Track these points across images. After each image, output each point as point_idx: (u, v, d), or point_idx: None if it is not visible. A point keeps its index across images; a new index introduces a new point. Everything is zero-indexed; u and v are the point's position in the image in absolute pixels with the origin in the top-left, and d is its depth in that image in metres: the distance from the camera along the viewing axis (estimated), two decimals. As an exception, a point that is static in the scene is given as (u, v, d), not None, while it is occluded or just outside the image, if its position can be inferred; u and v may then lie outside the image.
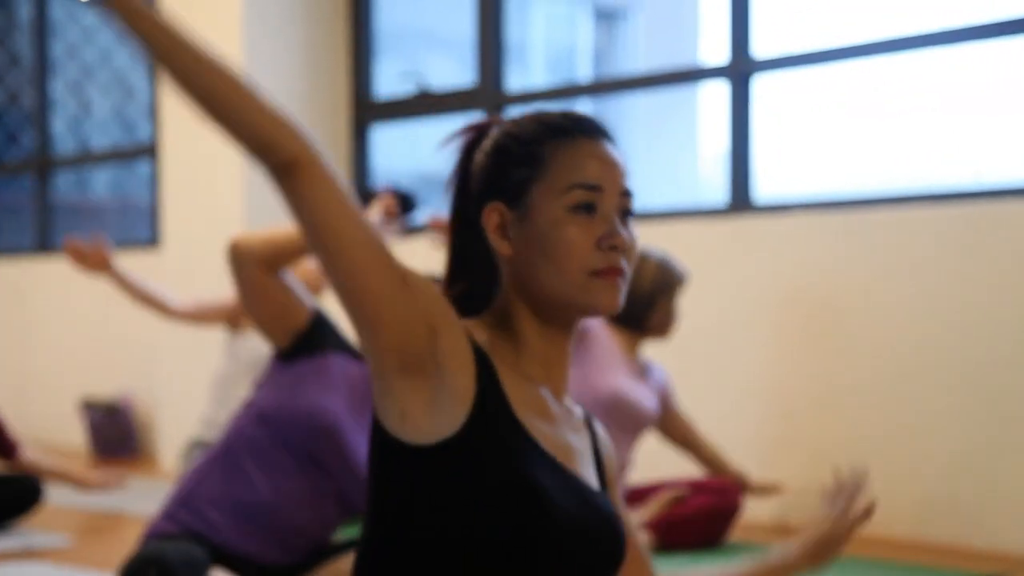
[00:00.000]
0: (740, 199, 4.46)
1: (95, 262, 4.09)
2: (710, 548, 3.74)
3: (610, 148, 1.50)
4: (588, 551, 1.43)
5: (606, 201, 1.47)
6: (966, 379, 3.87)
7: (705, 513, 3.73)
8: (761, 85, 4.48)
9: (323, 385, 2.74)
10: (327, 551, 2.74)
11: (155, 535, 2.66)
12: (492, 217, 1.49)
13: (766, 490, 3.92)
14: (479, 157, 1.54)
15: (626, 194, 1.49)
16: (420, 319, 1.36)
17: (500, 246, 1.49)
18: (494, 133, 1.54)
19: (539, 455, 1.41)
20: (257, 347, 4.35)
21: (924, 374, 3.95)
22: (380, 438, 1.40)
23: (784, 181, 4.83)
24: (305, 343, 2.74)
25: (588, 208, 1.46)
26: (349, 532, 3.13)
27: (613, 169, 1.49)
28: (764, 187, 4.51)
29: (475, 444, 1.37)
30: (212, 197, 5.67)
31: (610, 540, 1.47)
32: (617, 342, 3.64)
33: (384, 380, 1.37)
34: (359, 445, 2.74)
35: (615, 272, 1.45)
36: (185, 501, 2.68)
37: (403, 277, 1.36)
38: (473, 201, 1.53)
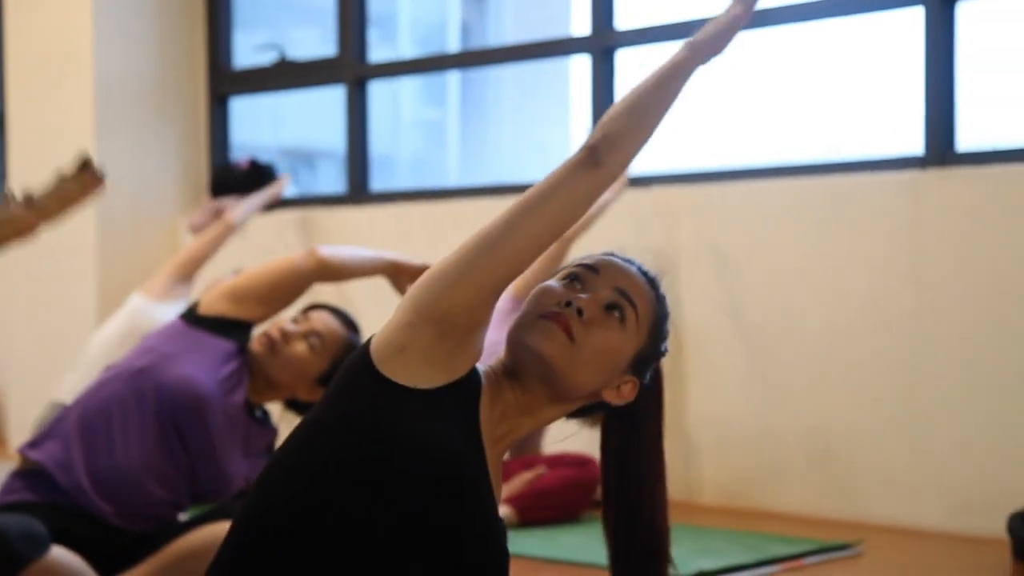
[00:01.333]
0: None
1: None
2: (571, 522, 3.75)
3: (628, 265, 1.66)
4: (478, 546, 1.54)
5: (598, 283, 1.61)
6: (821, 348, 3.93)
7: (565, 486, 3.73)
8: (624, 59, 4.49)
9: (209, 366, 2.73)
10: (174, 528, 2.69)
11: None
12: None
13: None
14: None
15: (623, 293, 1.61)
16: (485, 314, 1.55)
17: None
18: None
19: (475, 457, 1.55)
20: (161, 321, 4.14)
21: (780, 345, 4.00)
22: (362, 367, 1.52)
23: (649, 154, 4.84)
24: (234, 327, 2.79)
25: (572, 278, 1.62)
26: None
27: (617, 268, 1.64)
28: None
29: (432, 404, 1.51)
30: (61, 170, 5.48)
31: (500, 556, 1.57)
32: None
33: (414, 325, 1.51)
34: (223, 439, 2.73)
35: (559, 319, 1.57)
36: (39, 463, 2.65)
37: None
38: None
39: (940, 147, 3.80)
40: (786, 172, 4.10)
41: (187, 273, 4.21)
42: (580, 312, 1.58)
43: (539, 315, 1.58)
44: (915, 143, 3.87)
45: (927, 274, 3.75)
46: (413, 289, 1.55)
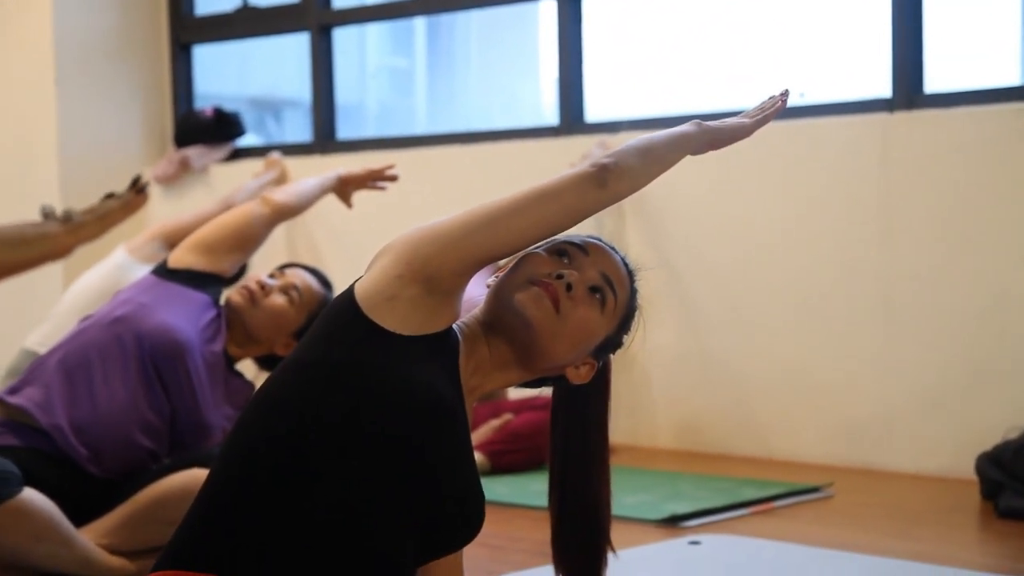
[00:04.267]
0: (570, 119, 4.44)
1: None
2: (541, 468, 3.76)
3: (613, 253, 1.72)
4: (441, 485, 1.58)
5: (586, 264, 1.66)
6: (790, 290, 3.94)
7: (533, 430, 3.74)
8: (591, 4, 4.45)
9: (188, 315, 2.77)
10: (146, 476, 2.68)
11: None
12: None
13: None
14: None
15: (607, 280, 1.67)
16: (466, 282, 1.61)
17: None
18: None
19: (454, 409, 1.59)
20: (131, 280, 4.09)
21: (748, 288, 4.01)
22: (348, 312, 1.57)
23: (616, 102, 4.81)
24: (206, 280, 2.84)
25: (561, 253, 1.67)
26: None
27: (605, 254, 1.70)
28: (595, 108, 4.49)
29: (417, 349, 1.56)
30: (22, 121, 5.41)
31: (472, 507, 1.63)
32: None
33: (403, 278, 1.56)
34: (203, 387, 2.76)
35: (549, 288, 1.62)
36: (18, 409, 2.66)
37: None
38: None
39: (908, 89, 3.79)
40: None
41: (173, 242, 4.15)
42: (569, 288, 1.64)
43: (528, 280, 1.64)
44: (883, 86, 3.86)
45: (895, 216, 3.76)
46: (405, 243, 1.59)
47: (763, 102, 1.83)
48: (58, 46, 5.26)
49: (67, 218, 2.57)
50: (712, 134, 1.74)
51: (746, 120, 1.79)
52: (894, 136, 3.76)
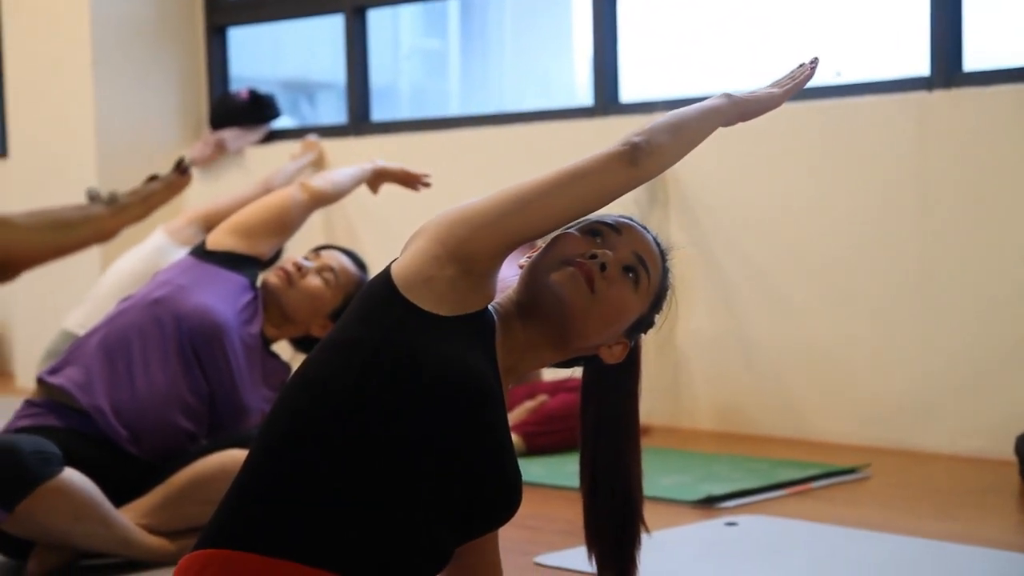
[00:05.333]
0: (605, 100, 4.43)
1: None
2: (577, 448, 3.75)
3: (645, 232, 1.71)
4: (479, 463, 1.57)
5: (619, 244, 1.66)
6: (827, 271, 3.92)
7: (568, 411, 3.74)
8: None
9: (226, 297, 2.79)
10: (184, 457, 2.70)
11: (11, 429, 2.66)
12: None
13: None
14: None
15: (640, 259, 1.66)
16: (500, 263, 1.62)
17: None
18: None
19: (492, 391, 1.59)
20: (170, 262, 4.11)
21: (784, 269, 3.99)
22: (386, 292, 1.57)
23: (651, 81, 4.79)
24: (244, 262, 2.87)
25: (594, 232, 1.66)
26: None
27: (638, 233, 1.69)
28: (631, 88, 4.47)
29: (455, 329, 1.57)
30: (59, 104, 5.45)
31: (507, 490, 1.61)
32: None
33: (440, 258, 1.57)
34: (241, 368, 2.78)
35: (583, 267, 1.61)
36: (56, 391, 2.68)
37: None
38: None
39: (946, 68, 3.76)
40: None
41: (211, 225, 4.16)
42: (603, 267, 1.64)
43: (562, 260, 1.64)
44: (921, 64, 3.82)
45: (933, 196, 3.72)
46: (439, 225, 1.60)
47: (793, 71, 1.82)
48: (95, 30, 5.28)
49: (112, 200, 2.59)
50: (743, 106, 1.73)
51: (776, 90, 1.77)
52: (932, 115, 3.73)
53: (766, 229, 4.03)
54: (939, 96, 3.74)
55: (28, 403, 2.71)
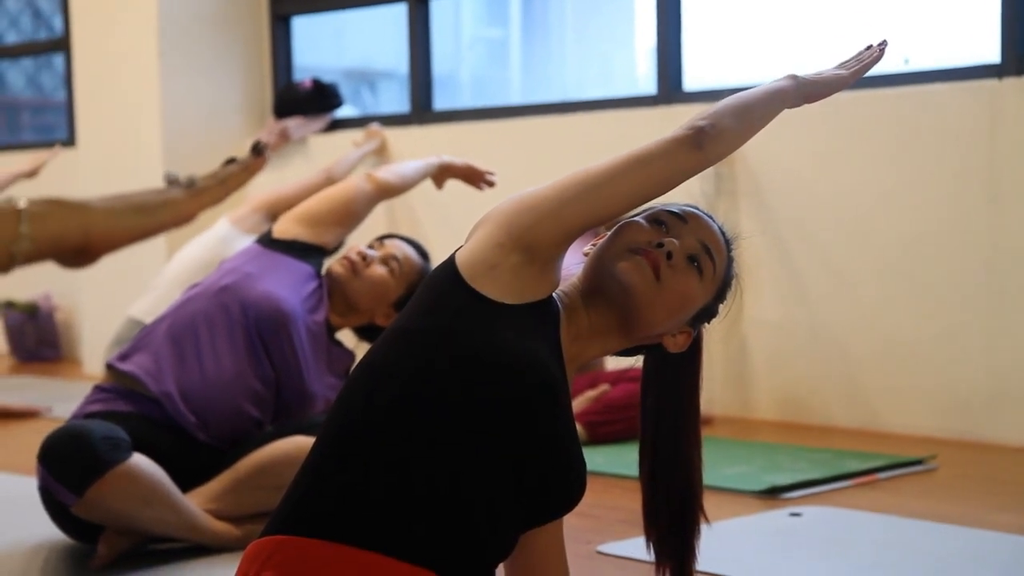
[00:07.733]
0: (668, 88, 4.40)
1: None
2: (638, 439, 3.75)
3: (711, 221, 1.70)
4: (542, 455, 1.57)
5: (684, 233, 1.65)
6: (894, 261, 3.88)
7: (631, 401, 3.73)
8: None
9: (292, 285, 2.82)
10: (249, 443, 2.72)
11: (82, 414, 2.69)
12: None
13: None
14: None
15: (705, 248, 1.65)
16: (564, 250, 1.61)
17: None
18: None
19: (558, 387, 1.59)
20: (235, 250, 4.14)
21: (852, 258, 3.95)
22: (452, 281, 1.58)
23: (714, 69, 4.76)
24: (310, 251, 2.90)
25: (659, 221, 1.65)
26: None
27: (703, 222, 1.68)
28: (693, 77, 4.45)
29: (520, 318, 1.56)
30: (126, 94, 5.51)
31: (572, 477, 1.62)
32: None
33: (504, 247, 1.57)
34: (307, 355, 2.80)
35: (650, 256, 1.61)
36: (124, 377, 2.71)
37: None
38: None
39: (1017, 55, 3.70)
40: (859, 83, 4.01)
41: (275, 213, 4.19)
42: (669, 256, 1.63)
43: (628, 248, 1.63)
44: (991, 51, 3.77)
45: (1003, 185, 3.67)
46: (503, 213, 1.60)
47: (860, 52, 1.79)
48: (162, 21, 5.34)
49: (190, 183, 2.62)
50: (809, 87, 1.70)
51: (843, 71, 1.75)
52: (1002, 103, 3.67)
53: (835, 216, 3.99)
54: (1009, 84, 3.68)
55: (98, 388, 2.75)
